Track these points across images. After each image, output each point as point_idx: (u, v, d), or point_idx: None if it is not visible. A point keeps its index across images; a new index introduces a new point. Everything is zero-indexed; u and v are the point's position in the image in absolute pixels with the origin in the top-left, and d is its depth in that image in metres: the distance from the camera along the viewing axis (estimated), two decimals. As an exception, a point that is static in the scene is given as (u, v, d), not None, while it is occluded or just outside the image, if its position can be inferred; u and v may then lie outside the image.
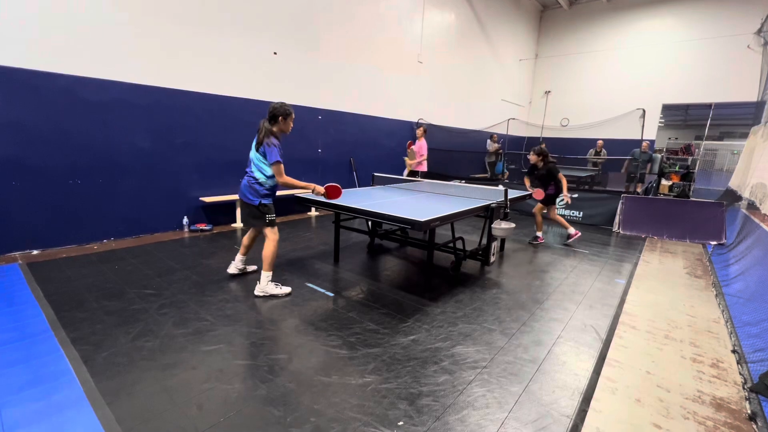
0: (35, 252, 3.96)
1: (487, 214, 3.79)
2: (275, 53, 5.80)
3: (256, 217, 3.13)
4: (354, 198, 3.91)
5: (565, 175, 5.40)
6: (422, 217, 2.89)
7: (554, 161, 5.29)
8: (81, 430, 1.68)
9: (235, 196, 5.49)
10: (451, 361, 2.33)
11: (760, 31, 8.35)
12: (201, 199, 5.22)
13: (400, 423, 1.79)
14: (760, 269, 3.64)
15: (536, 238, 5.41)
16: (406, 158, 7.37)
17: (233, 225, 5.56)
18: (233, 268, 3.55)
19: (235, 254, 3.62)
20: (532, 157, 5.25)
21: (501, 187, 4.24)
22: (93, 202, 4.32)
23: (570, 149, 11.36)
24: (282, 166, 2.99)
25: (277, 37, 5.79)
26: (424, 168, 7.04)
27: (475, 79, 10.83)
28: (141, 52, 4.46)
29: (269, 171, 3.03)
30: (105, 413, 1.78)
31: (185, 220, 5.11)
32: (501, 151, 10.21)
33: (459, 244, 3.93)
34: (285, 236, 5.12)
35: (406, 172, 7.27)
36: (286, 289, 3.22)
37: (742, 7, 9.85)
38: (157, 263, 3.82)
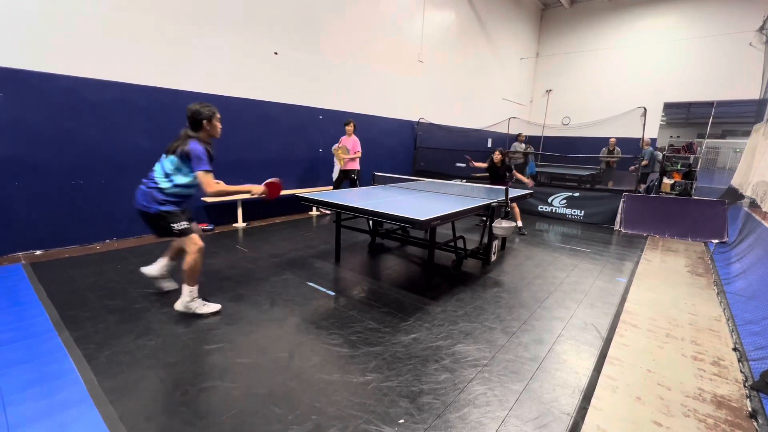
0: (38, 252, 3.99)
1: (488, 213, 3.79)
2: (276, 53, 5.81)
3: (160, 229, 2.68)
4: (355, 197, 3.92)
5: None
6: (423, 216, 2.90)
7: (515, 157, 6.08)
8: (84, 428, 1.69)
9: (237, 196, 5.50)
10: (452, 359, 2.34)
11: (762, 28, 8.32)
12: (202, 199, 5.23)
13: (401, 421, 1.80)
14: (761, 267, 3.63)
15: (521, 228, 5.86)
16: (338, 151, 6.34)
17: (234, 225, 5.58)
18: (154, 269, 3.04)
19: (237, 254, 3.61)
20: (497, 156, 5.75)
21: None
22: (95, 202, 4.34)
23: (571, 148, 11.34)
24: (211, 175, 2.60)
25: (278, 37, 5.80)
26: (357, 166, 6.44)
27: (475, 78, 10.82)
28: (142, 53, 4.47)
29: (183, 180, 2.63)
30: (108, 411, 1.79)
31: (187, 220, 5.12)
32: (530, 150, 9.99)
33: (460, 243, 3.94)
34: (286, 235, 5.14)
35: (337, 169, 6.53)
36: (214, 307, 2.82)
37: (743, 5, 9.81)
38: (159, 263, 3.83)
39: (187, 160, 2.56)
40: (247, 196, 2.87)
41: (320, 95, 6.64)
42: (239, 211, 5.58)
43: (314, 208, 6.66)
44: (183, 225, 2.67)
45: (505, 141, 11.75)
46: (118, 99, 4.36)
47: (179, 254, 2.97)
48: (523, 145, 9.97)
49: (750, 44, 9.51)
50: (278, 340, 2.50)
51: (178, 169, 2.60)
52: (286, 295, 3.20)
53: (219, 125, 2.73)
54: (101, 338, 2.42)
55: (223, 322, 2.69)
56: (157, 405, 1.86)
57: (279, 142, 6.14)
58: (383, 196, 4.08)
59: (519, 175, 6.01)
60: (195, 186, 2.68)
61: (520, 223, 5.89)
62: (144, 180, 2.66)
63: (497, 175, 5.84)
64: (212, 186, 2.59)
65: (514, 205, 5.62)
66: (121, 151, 4.45)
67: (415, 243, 4.38)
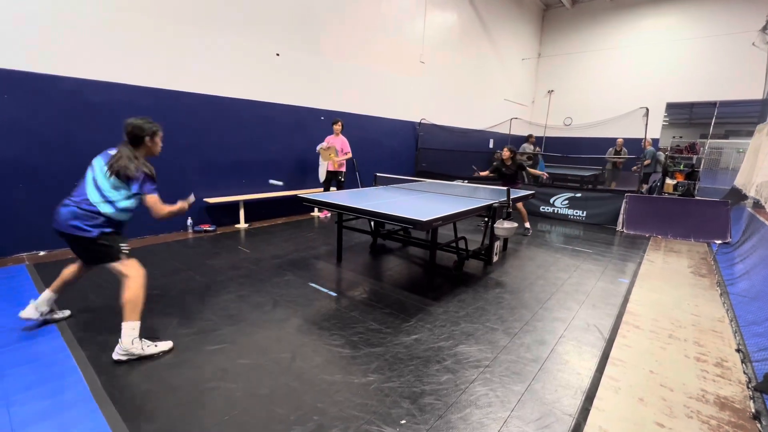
0: (42, 253, 4.01)
1: (490, 213, 3.79)
2: (278, 54, 5.83)
3: (95, 254, 2.32)
4: (356, 198, 3.93)
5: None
6: (424, 217, 2.90)
7: (522, 159, 5.91)
8: (87, 428, 1.70)
9: (239, 197, 5.52)
10: (454, 360, 2.34)
11: (765, 28, 8.28)
12: (205, 200, 5.25)
13: (403, 421, 1.80)
14: (765, 268, 3.61)
15: (527, 228, 5.76)
16: (327, 152, 6.04)
17: (236, 226, 5.60)
18: (32, 311, 2.52)
19: (239, 255, 3.61)
20: (506, 153, 5.56)
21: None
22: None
23: (573, 148, 11.32)
24: (157, 197, 2.38)
25: (280, 39, 5.82)
26: (344, 167, 6.27)
27: (477, 79, 10.82)
28: (145, 55, 4.49)
29: (126, 203, 2.32)
30: (111, 412, 1.80)
31: (189, 221, 5.15)
32: (538, 152, 9.81)
33: (461, 244, 3.94)
34: (288, 236, 5.15)
35: (324, 170, 6.18)
36: (165, 345, 2.34)
37: (746, 5, 9.78)
38: (162, 264, 3.85)
39: (128, 181, 2.26)
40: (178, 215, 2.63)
41: (322, 96, 6.66)
42: (241, 212, 5.60)
43: (316, 209, 6.66)
44: (126, 246, 2.37)
45: (506, 142, 11.70)
46: (121, 101, 4.38)
47: (69, 284, 2.62)
48: (532, 147, 9.76)
49: (753, 44, 9.47)
50: (280, 340, 2.50)
51: (118, 191, 2.28)
52: (288, 296, 3.21)
53: (160, 143, 2.49)
54: (104, 339, 2.43)
55: (224, 323, 2.69)
56: (160, 406, 1.86)
57: (280, 143, 6.15)
58: (385, 197, 4.08)
59: (533, 171, 5.93)
60: (135, 209, 2.42)
61: (527, 224, 5.82)
62: (70, 201, 2.26)
63: (506, 175, 5.60)
64: (163, 208, 2.38)
65: (521, 206, 5.62)
66: (123, 152, 4.47)
67: (417, 244, 4.38)
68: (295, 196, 4.91)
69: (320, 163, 6.19)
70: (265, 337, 2.53)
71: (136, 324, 2.26)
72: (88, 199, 2.24)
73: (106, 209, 2.26)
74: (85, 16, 4.01)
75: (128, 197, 2.32)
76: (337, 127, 6.11)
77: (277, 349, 2.40)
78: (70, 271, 2.59)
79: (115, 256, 2.31)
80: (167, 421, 1.76)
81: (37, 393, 1.92)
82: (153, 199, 2.35)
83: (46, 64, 3.85)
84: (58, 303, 2.67)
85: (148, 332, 2.53)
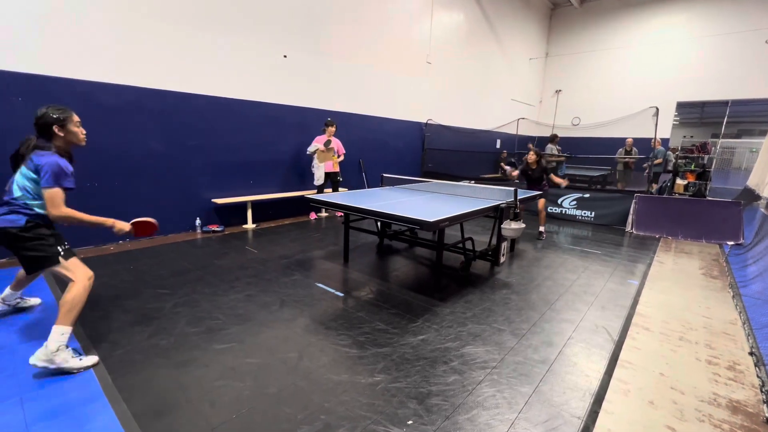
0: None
1: (497, 214, 3.77)
2: (285, 56, 5.87)
3: (31, 257, 2.13)
4: (363, 199, 3.94)
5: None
6: (431, 218, 2.89)
7: (548, 162, 5.69)
8: (99, 424, 1.73)
9: (247, 197, 5.57)
10: (461, 361, 2.33)
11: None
12: (213, 200, 5.31)
13: (410, 422, 1.80)
14: (779, 270, 3.54)
15: (541, 233, 5.58)
16: (322, 153, 5.98)
17: (244, 226, 5.64)
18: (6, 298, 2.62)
19: (247, 255, 3.62)
20: (531, 157, 5.40)
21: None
22: (109, 204, 4.42)
23: (581, 149, 11.21)
24: (61, 193, 2.12)
25: (287, 40, 5.86)
26: (337, 168, 6.29)
27: (484, 79, 10.78)
28: (154, 57, 4.56)
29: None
30: (121, 408, 1.83)
31: (198, 221, 5.21)
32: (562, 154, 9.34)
33: (468, 245, 3.92)
34: (294, 237, 5.18)
35: (323, 172, 6.08)
36: (89, 360, 2.15)
37: (758, 2, 9.61)
38: (171, 263, 3.90)
39: (37, 175, 2.09)
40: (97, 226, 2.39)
41: (328, 97, 6.68)
42: (249, 213, 5.64)
43: (323, 210, 6.68)
44: (61, 247, 2.18)
45: (514, 142, 11.67)
46: (133, 103, 4.45)
47: (23, 284, 2.61)
48: (557, 147, 9.11)
49: (766, 41, 9.31)
50: (287, 340, 2.52)
51: (35, 184, 2.12)
52: (295, 295, 3.23)
53: (78, 129, 2.24)
54: (115, 337, 2.47)
55: (233, 323, 2.72)
56: (169, 403, 1.88)
57: (287, 143, 6.19)
58: (391, 198, 4.09)
59: (555, 178, 5.50)
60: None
61: (542, 228, 5.56)
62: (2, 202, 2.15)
63: (531, 178, 5.45)
64: (61, 208, 2.12)
65: (542, 206, 5.49)
66: (134, 153, 4.54)
67: (424, 244, 4.38)
68: (302, 196, 4.94)
69: (316, 165, 6.05)
70: (273, 337, 2.55)
71: (68, 330, 2.08)
72: (13, 195, 2.13)
73: (31, 202, 2.12)
74: (97, 21, 4.08)
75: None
76: (332, 128, 6.07)
77: (285, 348, 2.42)
78: (22, 272, 2.51)
79: (47, 258, 2.12)
80: (176, 419, 1.78)
81: (51, 391, 1.95)
82: (52, 194, 2.09)
83: (60, 67, 3.92)
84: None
85: (157, 330, 2.57)
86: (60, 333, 2.05)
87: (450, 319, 2.88)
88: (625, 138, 9.25)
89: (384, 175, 5.29)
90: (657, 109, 7.29)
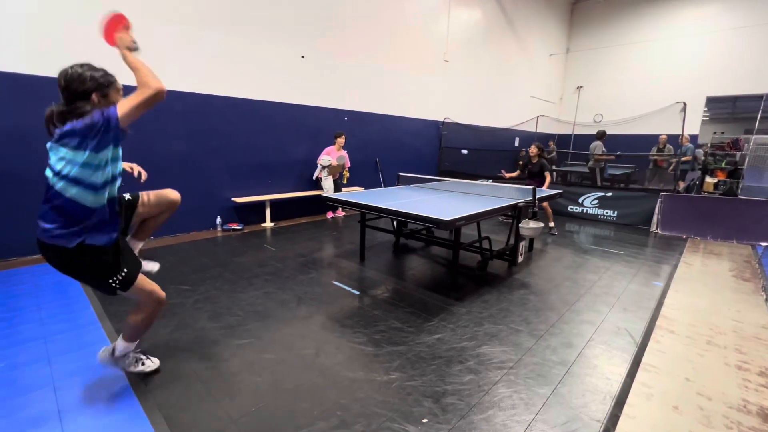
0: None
1: (515, 213, 3.72)
2: (303, 57, 5.94)
3: (87, 275, 1.71)
4: (379, 198, 3.95)
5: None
6: (447, 217, 2.88)
7: (547, 158, 5.82)
8: (126, 415, 1.80)
9: (265, 196, 5.67)
10: (477, 360, 2.31)
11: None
12: (233, 199, 5.43)
13: (425, 420, 1.80)
14: (817, 272, 3.36)
15: (552, 228, 5.69)
16: (334, 167, 6.09)
17: (263, 225, 5.75)
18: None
19: (266, 253, 3.67)
20: (533, 150, 5.60)
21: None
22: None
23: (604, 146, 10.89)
24: (123, 101, 1.58)
25: (305, 41, 5.93)
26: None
27: (502, 76, 10.62)
28: (177, 60, 4.70)
29: (100, 179, 1.58)
30: (147, 400, 1.90)
31: (218, 219, 5.34)
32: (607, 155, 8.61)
33: (485, 244, 3.88)
34: (312, 235, 5.24)
35: (331, 187, 6.16)
36: (151, 365, 2.11)
37: (797, -10, 9.11)
38: (193, 261, 4.01)
39: (92, 134, 1.48)
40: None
41: (345, 97, 6.73)
42: (267, 211, 5.75)
43: (340, 209, 6.73)
44: (127, 272, 1.75)
45: (533, 140, 11.40)
46: (156, 105, 4.59)
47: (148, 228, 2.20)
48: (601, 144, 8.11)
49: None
50: (304, 337, 2.56)
51: (88, 161, 1.52)
52: (312, 293, 3.27)
53: (120, 97, 1.69)
54: (140, 331, 2.56)
55: (251, 319, 2.78)
56: (191, 396, 1.95)
57: (305, 143, 6.26)
58: (408, 197, 4.08)
59: (547, 176, 5.51)
60: (118, 175, 1.70)
61: (552, 224, 5.72)
62: (45, 205, 1.60)
63: (531, 172, 5.65)
64: (148, 82, 1.55)
65: (546, 204, 5.49)
66: (158, 154, 4.69)
67: (440, 243, 4.35)
68: (319, 195, 5.00)
69: (324, 177, 6.10)
70: (290, 333, 2.59)
71: (130, 346, 2.00)
72: (55, 188, 1.55)
73: (77, 192, 1.55)
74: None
75: (102, 161, 1.55)
76: (341, 140, 6.15)
77: (302, 345, 2.45)
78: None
79: (109, 284, 1.73)
80: (198, 411, 1.84)
81: (80, 380, 2.05)
82: (128, 101, 1.54)
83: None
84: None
85: (180, 325, 2.65)
86: (123, 345, 1.97)
87: (466, 319, 2.86)
88: (652, 135, 8.92)
89: (400, 174, 5.29)
90: (684, 104, 7.02)
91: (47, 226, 1.59)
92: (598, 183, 7.80)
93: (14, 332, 2.51)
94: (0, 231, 3.69)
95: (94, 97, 1.55)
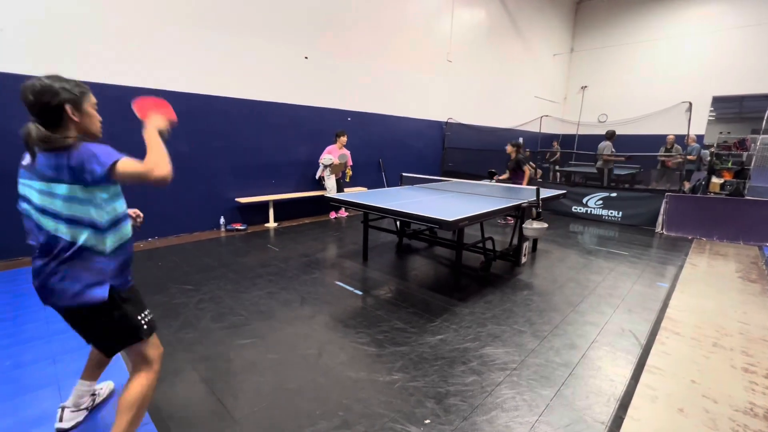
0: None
1: (518, 213, 3.70)
2: (306, 57, 5.95)
3: (106, 332, 1.47)
4: (382, 198, 3.95)
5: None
6: (451, 217, 2.87)
7: (523, 155, 6.06)
8: (129, 413, 1.81)
9: (269, 197, 5.69)
10: (480, 361, 2.30)
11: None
12: (236, 199, 5.45)
13: (427, 421, 1.80)
14: (825, 274, 3.32)
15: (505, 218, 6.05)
16: (337, 166, 6.11)
17: (266, 225, 5.76)
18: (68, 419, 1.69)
19: (269, 253, 3.67)
20: (509, 149, 5.99)
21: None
22: (139, 203, 4.60)
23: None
24: (128, 160, 1.38)
25: (308, 42, 5.94)
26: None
27: (506, 76, 10.59)
28: (181, 61, 4.72)
29: (105, 215, 1.39)
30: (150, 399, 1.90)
31: (222, 220, 5.36)
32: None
33: (489, 245, 3.87)
34: (315, 235, 5.24)
35: (333, 182, 6.17)
36: (106, 387, 1.88)
37: (805, -12, 9.01)
38: (196, 261, 4.03)
39: (83, 171, 1.31)
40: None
41: (348, 97, 6.74)
42: (271, 212, 5.76)
43: (342, 209, 6.73)
44: (146, 315, 1.55)
45: (537, 140, 11.41)
46: (160, 106, 4.62)
47: (102, 366, 1.76)
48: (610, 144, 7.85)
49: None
50: (307, 337, 2.56)
51: (83, 201, 1.34)
52: (315, 293, 3.27)
53: (96, 113, 1.54)
54: (144, 330, 2.58)
55: (255, 319, 2.79)
56: (193, 395, 1.95)
57: (308, 144, 6.27)
58: (411, 197, 4.08)
59: (527, 171, 5.88)
60: (125, 216, 1.52)
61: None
62: (43, 258, 1.38)
63: (510, 169, 6.04)
64: (158, 164, 1.42)
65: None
66: (162, 154, 4.72)
67: (443, 244, 4.34)
68: (323, 196, 5.00)
69: (327, 176, 6.12)
70: (293, 333, 2.60)
71: None
72: (51, 232, 1.34)
73: (82, 234, 1.35)
74: (129, 30, 4.27)
75: (101, 200, 1.39)
76: (344, 138, 6.16)
77: (305, 345, 2.46)
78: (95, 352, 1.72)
79: (128, 333, 1.48)
80: (201, 410, 1.84)
81: (85, 379, 2.06)
82: (126, 165, 1.36)
83: (94, 72, 4.12)
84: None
85: (183, 325, 2.66)
86: None
87: (469, 320, 2.85)
88: (657, 135, 8.86)
89: (403, 174, 5.29)
90: (690, 104, 6.96)
91: None
92: (605, 184, 7.72)
93: (19, 331, 2.53)
94: (6, 231, 3.72)
95: (67, 108, 1.37)
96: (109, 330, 1.46)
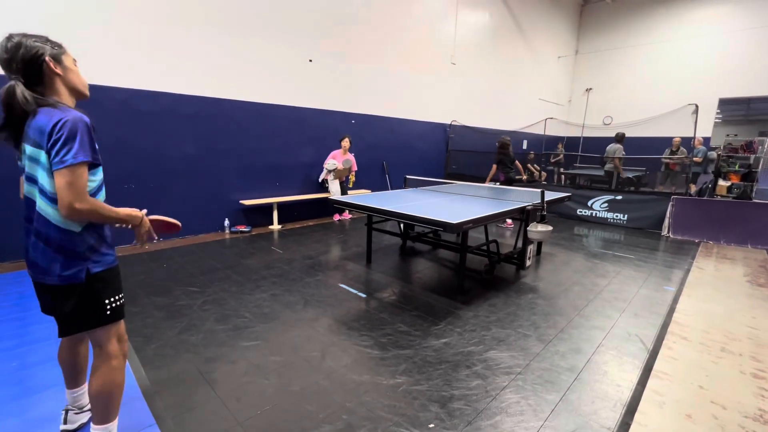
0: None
1: (523, 216, 3.69)
2: (311, 60, 5.98)
3: (76, 312, 1.36)
4: (386, 200, 3.95)
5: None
6: (455, 220, 2.86)
7: (503, 152, 6.16)
8: (134, 414, 1.81)
9: (273, 199, 5.71)
10: (484, 365, 2.29)
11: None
12: (241, 202, 5.47)
13: (431, 425, 1.79)
14: (836, 278, 3.27)
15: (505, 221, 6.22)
16: (340, 171, 6.10)
17: (270, 227, 5.78)
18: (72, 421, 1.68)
19: (273, 255, 3.69)
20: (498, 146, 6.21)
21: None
22: (144, 204, 4.61)
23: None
24: (86, 171, 1.27)
25: (313, 45, 5.97)
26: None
27: (510, 79, 10.57)
28: (187, 64, 4.76)
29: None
30: (154, 401, 1.91)
31: (226, 222, 5.38)
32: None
33: (493, 247, 3.85)
34: (319, 238, 5.25)
35: (337, 187, 6.16)
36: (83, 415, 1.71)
37: (813, -11, 8.94)
38: (201, 262, 4.05)
39: (53, 144, 1.23)
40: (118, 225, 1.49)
41: (353, 100, 6.76)
42: (275, 214, 5.78)
43: (346, 211, 6.74)
44: (118, 299, 1.46)
45: (541, 142, 11.37)
46: (167, 109, 4.66)
47: (84, 371, 1.71)
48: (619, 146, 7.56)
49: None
50: (311, 339, 2.55)
51: (49, 170, 1.26)
52: (318, 296, 3.27)
53: (78, 70, 1.49)
54: (149, 332, 2.59)
55: (258, 321, 2.79)
56: (198, 397, 1.96)
57: (312, 146, 6.30)
58: (415, 199, 4.08)
59: (494, 167, 6.19)
60: (100, 188, 1.46)
61: (509, 221, 6.06)
62: (30, 225, 1.35)
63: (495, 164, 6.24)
64: (84, 198, 1.25)
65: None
66: (168, 157, 4.75)
67: (447, 247, 4.33)
68: (326, 198, 5.01)
69: (330, 180, 6.10)
70: (297, 336, 2.60)
71: (112, 427, 1.51)
72: (37, 204, 1.31)
73: (52, 212, 1.30)
74: (137, 35, 4.31)
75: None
76: (346, 143, 6.14)
77: (308, 347, 2.45)
78: (65, 353, 1.65)
79: (99, 316, 1.40)
80: (205, 413, 1.84)
81: (90, 380, 2.07)
82: (71, 173, 1.22)
83: (103, 75, 4.16)
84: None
85: (187, 327, 2.67)
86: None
87: (473, 323, 2.83)
88: (663, 137, 8.80)
89: (407, 176, 5.29)
90: (696, 106, 6.91)
91: None
92: (614, 186, 7.59)
93: (26, 332, 2.55)
94: (12, 232, 3.76)
95: (48, 60, 1.29)
96: (69, 307, 1.34)
